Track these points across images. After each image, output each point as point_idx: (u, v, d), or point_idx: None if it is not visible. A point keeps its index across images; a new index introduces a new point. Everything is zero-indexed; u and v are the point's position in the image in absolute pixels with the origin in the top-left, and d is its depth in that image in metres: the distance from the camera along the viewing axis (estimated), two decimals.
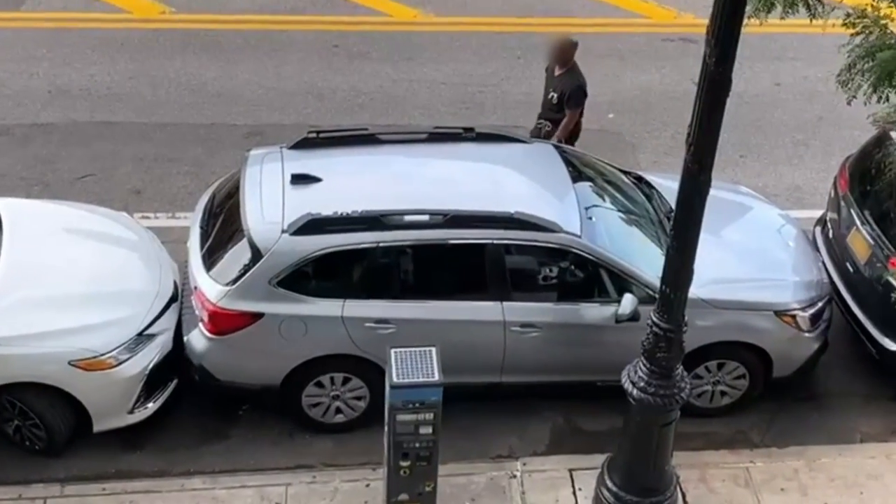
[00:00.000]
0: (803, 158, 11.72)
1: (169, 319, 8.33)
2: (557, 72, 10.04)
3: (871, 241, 8.97)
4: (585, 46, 13.23)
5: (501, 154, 8.94)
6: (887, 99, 6.28)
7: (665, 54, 13.16)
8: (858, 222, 9.15)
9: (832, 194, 9.80)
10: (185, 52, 12.69)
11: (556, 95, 9.98)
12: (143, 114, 11.78)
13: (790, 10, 5.79)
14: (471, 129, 9.15)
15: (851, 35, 6.30)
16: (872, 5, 6.15)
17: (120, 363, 7.95)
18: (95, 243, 8.72)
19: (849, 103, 6.36)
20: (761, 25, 5.99)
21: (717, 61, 6.18)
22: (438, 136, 9.09)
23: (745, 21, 6.05)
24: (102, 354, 7.91)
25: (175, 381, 8.33)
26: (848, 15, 6.26)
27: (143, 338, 8.12)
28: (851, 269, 9.19)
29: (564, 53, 10.02)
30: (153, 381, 8.16)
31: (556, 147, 9.18)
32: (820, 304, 8.73)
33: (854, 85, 6.23)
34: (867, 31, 6.24)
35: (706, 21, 6.23)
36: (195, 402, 8.53)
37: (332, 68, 12.64)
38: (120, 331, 8.04)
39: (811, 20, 5.83)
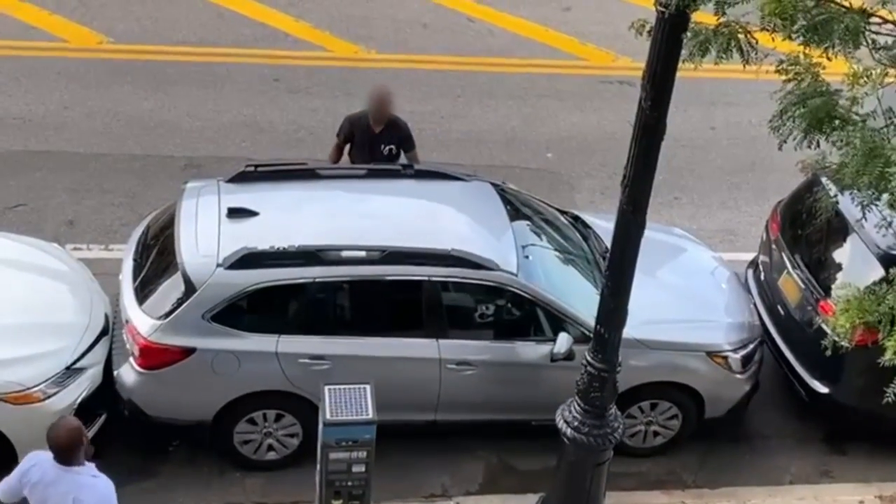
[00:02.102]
0: (737, 202, 11.89)
1: (99, 353, 8.21)
2: (379, 128, 9.54)
3: (801, 284, 9.10)
4: (525, 86, 13.44)
5: (440, 191, 8.97)
6: (818, 144, 6.39)
7: (603, 96, 13.31)
8: (789, 266, 9.29)
9: (764, 238, 9.94)
10: (123, 82, 12.57)
11: (392, 147, 9.61)
12: (78, 144, 11.64)
13: (724, 56, 5.89)
14: (409, 166, 9.18)
15: (784, 81, 6.41)
16: (805, 52, 6.27)
17: (48, 397, 7.82)
18: (25, 274, 8.58)
19: (780, 148, 6.46)
20: (696, 70, 6.08)
21: (652, 105, 6.29)
22: (377, 173, 9.10)
23: (680, 65, 6.15)
24: (30, 388, 7.77)
25: (104, 416, 8.19)
26: (781, 61, 6.36)
27: (72, 371, 8.00)
28: (782, 312, 9.31)
29: (386, 107, 9.57)
30: (81, 415, 7.98)
31: (495, 185, 9.23)
32: (751, 346, 8.84)
33: (786, 131, 6.33)
34: (799, 78, 6.35)
35: (643, 65, 6.32)
36: (124, 438, 8.38)
37: (272, 102, 12.59)
38: (48, 364, 7.90)
39: (744, 66, 5.94)
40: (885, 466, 8.96)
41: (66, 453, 6.31)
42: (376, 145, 9.60)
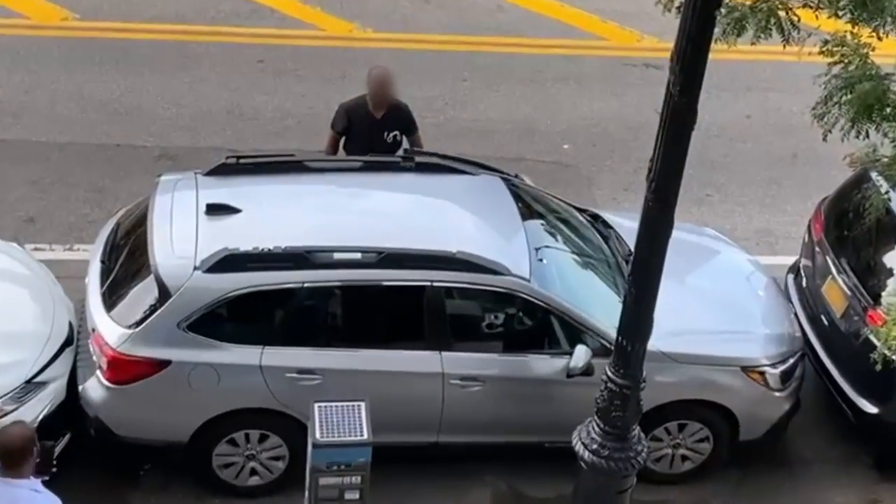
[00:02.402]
0: (775, 199, 11.89)
1: (62, 365, 8.22)
2: (380, 113, 9.61)
3: (847, 291, 9.10)
4: (539, 69, 13.45)
5: (444, 186, 8.97)
6: (867, 135, 6.39)
7: (626, 80, 13.31)
8: (835, 271, 9.28)
9: (806, 239, 9.94)
10: (90, 63, 12.60)
11: (396, 133, 9.69)
12: (39, 132, 11.66)
13: (762, 35, 5.88)
14: (410, 158, 9.18)
15: (829, 64, 6.41)
16: (852, 32, 6.27)
17: (5, 414, 7.81)
18: None
19: (825, 139, 6.47)
20: (729, 49, 6.08)
21: (681, 90, 6.29)
22: (374, 165, 9.11)
23: (713, 45, 6.15)
24: None
25: (67, 436, 8.20)
26: (825, 42, 6.37)
27: (32, 386, 8.01)
28: (826, 322, 9.31)
29: (389, 89, 9.65)
30: (43, 435, 7.99)
31: (505, 180, 9.24)
32: (791, 361, 8.84)
33: (831, 119, 6.34)
34: (846, 61, 6.36)
35: (671, 45, 6.33)
36: (90, 460, 8.39)
37: (256, 86, 12.61)
38: (6, 378, 7.91)
39: (784, 46, 5.94)
40: None
41: (13, 459, 6.36)
42: (378, 132, 9.64)
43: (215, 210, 8.29)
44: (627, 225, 8.79)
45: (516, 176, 9.42)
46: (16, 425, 6.70)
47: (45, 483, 6.58)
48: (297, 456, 8.03)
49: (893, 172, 6.27)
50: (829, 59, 6.40)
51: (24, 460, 6.40)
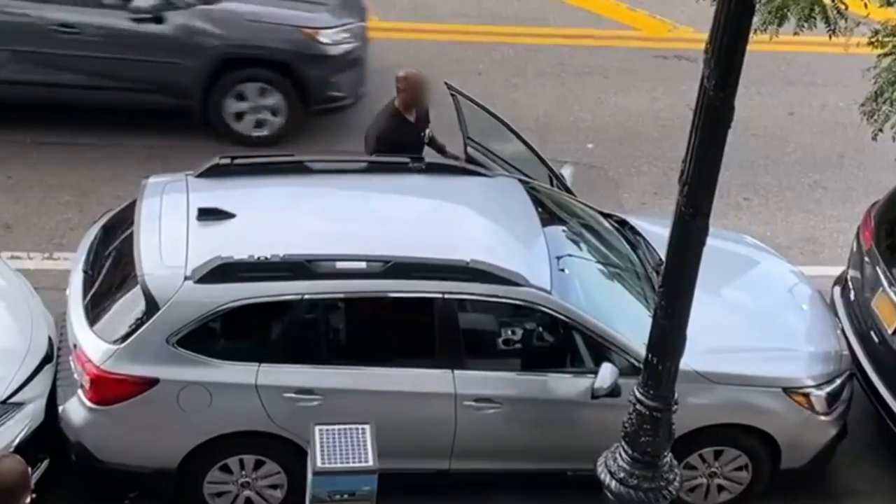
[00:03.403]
0: (820, 204, 11.89)
1: (41, 384, 8.24)
2: (414, 116, 9.81)
3: None
4: (561, 62, 13.46)
5: (456, 189, 9.00)
6: None
7: (657, 74, 13.33)
8: (886, 283, 9.27)
9: (855, 248, 9.93)
10: None
11: (429, 128, 9.98)
12: (16, 129, 11.69)
13: (806, 24, 5.89)
14: (420, 159, 9.21)
15: (879, 56, 6.42)
16: None
17: None
18: None
19: (874, 138, 6.47)
20: (771, 41, 6.09)
21: (717, 85, 6.29)
22: (380, 167, 9.14)
23: (752, 36, 6.16)
24: None
25: (46, 462, 8.21)
26: (876, 32, 6.38)
27: (8, 406, 8.02)
28: (877, 339, 9.29)
29: (428, 93, 9.92)
30: None
31: (524, 183, 9.26)
32: (838, 381, 8.82)
33: (881, 116, 6.35)
34: None
35: (706, 35, 6.33)
36: (71, 488, 8.41)
37: None
38: None
39: (831, 36, 5.94)
40: None
41: (5, 498, 6.31)
42: (418, 135, 9.82)
43: (208, 215, 8.31)
44: (658, 232, 8.79)
45: (565, 164, 9.57)
46: (5, 458, 6.55)
47: None
48: (295, 484, 8.03)
49: None
50: (880, 51, 6.40)
51: (17, 498, 6.33)
